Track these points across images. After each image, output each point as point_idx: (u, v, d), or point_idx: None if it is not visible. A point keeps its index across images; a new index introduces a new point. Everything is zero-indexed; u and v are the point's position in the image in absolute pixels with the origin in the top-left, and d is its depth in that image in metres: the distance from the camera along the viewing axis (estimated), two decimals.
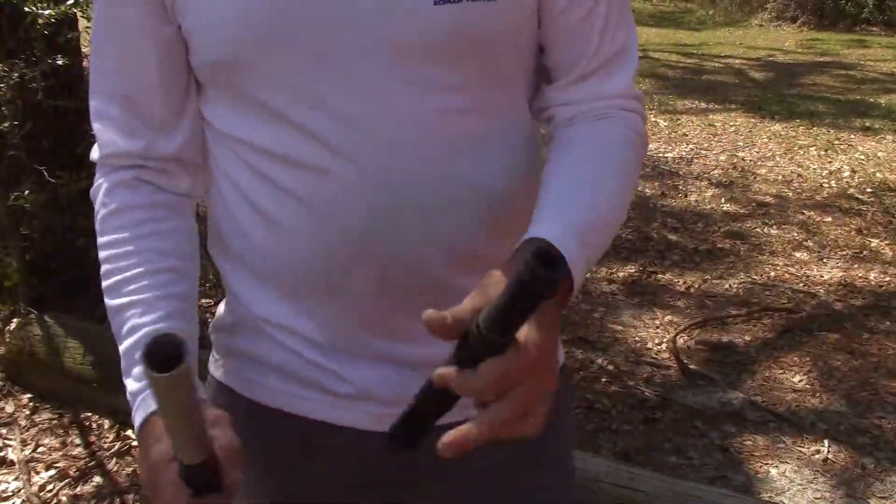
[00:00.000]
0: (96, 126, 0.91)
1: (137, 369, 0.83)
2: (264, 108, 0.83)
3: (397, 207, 0.83)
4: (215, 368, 1.00)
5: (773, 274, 3.93)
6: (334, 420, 0.92)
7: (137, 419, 0.81)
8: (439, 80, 0.81)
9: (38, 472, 2.41)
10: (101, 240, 0.89)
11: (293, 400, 0.93)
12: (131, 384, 0.84)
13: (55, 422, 2.65)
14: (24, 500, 2.30)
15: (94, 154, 0.92)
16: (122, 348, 0.86)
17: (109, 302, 0.87)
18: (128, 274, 0.86)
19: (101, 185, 0.91)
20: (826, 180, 5.35)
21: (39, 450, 2.52)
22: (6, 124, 2.74)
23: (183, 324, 0.86)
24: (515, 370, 0.62)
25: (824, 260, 4.10)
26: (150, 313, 0.84)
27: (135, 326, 0.84)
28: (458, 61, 0.81)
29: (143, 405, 0.81)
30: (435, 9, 0.78)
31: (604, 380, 2.99)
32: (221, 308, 0.99)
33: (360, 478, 0.94)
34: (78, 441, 2.56)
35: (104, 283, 0.88)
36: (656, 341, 3.29)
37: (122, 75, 0.88)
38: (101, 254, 0.89)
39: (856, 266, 4.02)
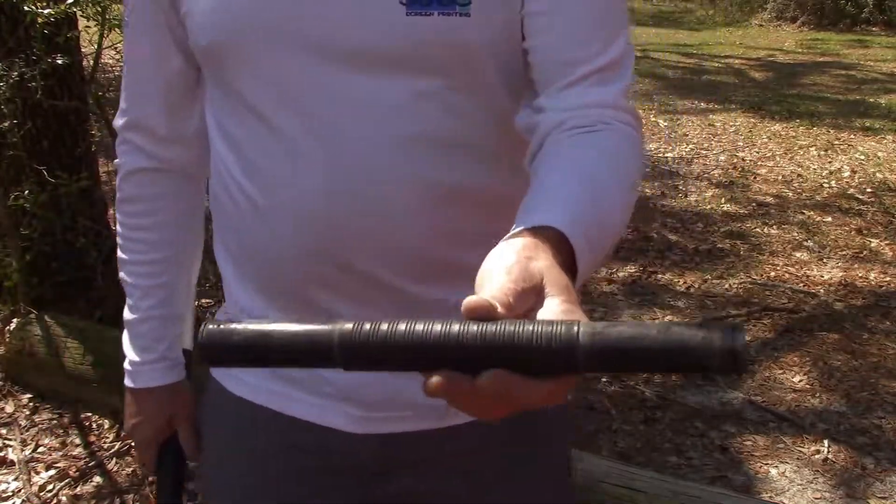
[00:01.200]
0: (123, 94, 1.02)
1: (139, 343, 1.05)
2: (240, 99, 0.86)
3: (356, 208, 0.83)
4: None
5: (773, 274, 3.93)
6: (318, 420, 0.93)
7: (135, 384, 1.06)
8: (409, 87, 0.81)
9: (38, 472, 2.41)
10: (116, 215, 1.06)
11: (279, 399, 0.95)
12: (131, 353, 1.06)
13: (55, 422, 2.65)
14: (24, 500, 2.30)
15: (117, 121, 1.03)
16: (125, 317, 1.06)
17: (119, 268, 1.06)
18: (127, 257, 1.05)
19: (120, 166, 1.04)
20: (826, 180, 5.35)
21: (39, 450, 2.52)
22: (6, 124, 2.74)
23: (169, 309, 1.06)
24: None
25: (824, 260, 4.10)
26: (145, 300, 1.05)
27: (135, 306, 1.05)
28: (429, 70, 0.81)
29: (143, 376, 1.05)
30: (407, 19, 0.78)
31: (604, 380, 2.99)
32: (222, 309, 1.03)
33: (343, 478, 0.95)
34: (78, 441, 2.56)
35: (117, 251, 1.07)
36: None
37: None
38: (117, 226, 1.07)
39: (856, 266, 4.02)
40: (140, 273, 1.04)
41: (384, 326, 0.50)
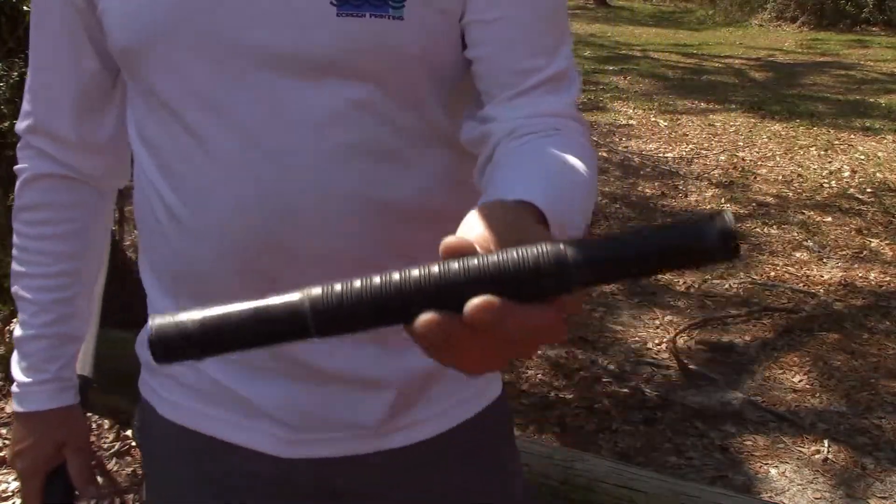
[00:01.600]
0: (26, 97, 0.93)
1: (30, 362, 0.97)
2: (162, 106, 0.81)
3: (287, 221, 0.79)
4: (142, 385, 0.98)
5: (773, 274, 3.93)
6: (243, 442, 0.88)
7: (22, 407, 0.97)
8: (342, 95, 0.78)
9: None
10: (14, 225, 0.96)
11: (200, 419, 0.90)
12: (19, 374, 0.97)
13: None
14: (24, 501, 2.30)
15: (20, 125, 0.94)
16: (16, 334, 0.97)
17: (12, 282, 0.97)
18: (25, 269, 0.96)
19: (21, 171, 0.95)
20: (826, 180, 5.35)
21: None
22: (6, 124, 2.74)
23: (66, 328, 0.97)
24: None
25: (824, 260, 4.10)
26: (40, 316, 0.96)
27: (28, 323, 0.96)
28: (362, 76, 0.78)
29: (32, 398, 0.97)
30: (337, 20, 0.74)
31: (604, 380, 2.99)
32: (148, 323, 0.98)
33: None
34: None
35: (12, 264, 0.97)
36: (656, 341, 3.29)
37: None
38: (13, 237, 0.97)
39: (856, 266, 4.02)
40: (38, 287, 0.96)
41: (357, 283, 0.45)
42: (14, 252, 0.96)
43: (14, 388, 0.98)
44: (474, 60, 0.81)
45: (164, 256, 0.87)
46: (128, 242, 3.53)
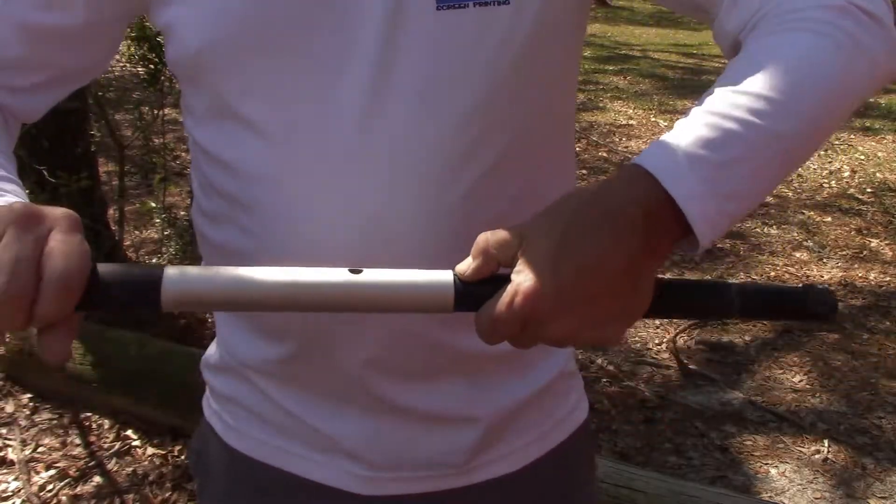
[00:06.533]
0: None
1: None
2: (238, 120, 0.73)
3: (386, 247, 0.71)
4: (206, 407, 0.93)
5: (773, 274, 3.93)
6: (319, 479, 0.84)
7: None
8: (443, 100, 0.70)
9: (38, 472, 2.41)
10: None
11: (269, 450, 0.86)
12: None
13: (55, 422, 2.65)
14: (24, 500, 2.30)
15: None
16: None
17: None
18: None
19: None
20: (826, 180, 5.35)
21: (39, 450, 2.52)
22: None
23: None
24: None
25: (824, 260, 4.10)
26: None
27: None
28: (464, 77, 0.70)
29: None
30: (438, 14, 0.67)
31: (604, 380, 2.99)
32: (213, 345, 0.92)
33: None
34: (78, 441, 2.56)
35: None
36: (656, 341, 3.29)
37: None
38: None
39: (856, 266, 4.02)
40: None
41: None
42: None
43: None
44: None
45: None
46: (128, 243, 3.53)
